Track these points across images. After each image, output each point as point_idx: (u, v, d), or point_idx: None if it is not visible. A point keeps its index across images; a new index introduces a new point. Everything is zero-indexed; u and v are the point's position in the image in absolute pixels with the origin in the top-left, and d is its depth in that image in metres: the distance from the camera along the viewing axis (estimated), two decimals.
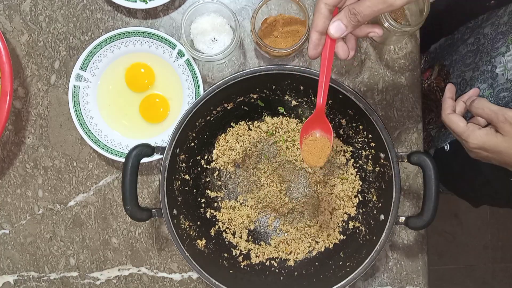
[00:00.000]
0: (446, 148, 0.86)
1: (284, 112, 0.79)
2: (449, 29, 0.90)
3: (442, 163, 0.89)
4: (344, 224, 0.78)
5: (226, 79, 0.68)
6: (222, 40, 0.75)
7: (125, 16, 0.80)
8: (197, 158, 0.78)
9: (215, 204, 0.80)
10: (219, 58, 0.73)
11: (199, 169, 0.78)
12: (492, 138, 0.63)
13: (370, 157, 0.74)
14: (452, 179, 0.90)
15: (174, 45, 0.76)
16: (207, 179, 0.80)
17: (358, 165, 0.77)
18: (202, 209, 0.79)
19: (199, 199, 0.79)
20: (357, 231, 0.76)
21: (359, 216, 0.77)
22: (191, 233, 0.74)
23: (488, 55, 0.75)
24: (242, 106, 0.77)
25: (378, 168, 0.73)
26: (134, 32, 0.76)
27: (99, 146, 0.77)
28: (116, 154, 0.77)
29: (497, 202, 0.88)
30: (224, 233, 0.79)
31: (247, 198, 0.80)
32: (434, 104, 0.94)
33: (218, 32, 0.75)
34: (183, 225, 0.72)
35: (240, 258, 0.78)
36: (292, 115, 0.79)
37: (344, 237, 0.78)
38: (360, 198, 0.78)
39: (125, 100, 0.80)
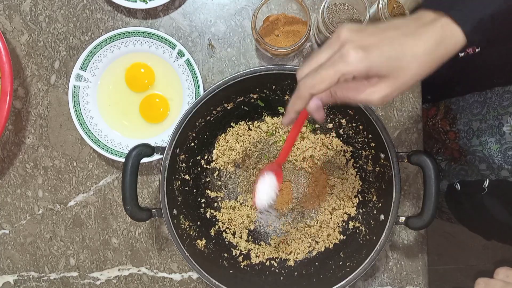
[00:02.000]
0: (457, 187, 0.86)
1: (284, 112, 0.79)
2: (456, 93, 0.90)
3: (454, 200, 0.89)
4: (344, 224, 0.78)
5: (226, 79, 0.68)
6: None
7: (125, 16, 0.80)
8: (197, 158, 0.78)
9: (215, 204, 0.80)
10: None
11: (199, 169, 0.78)
12: None
13: (370, 157, 0.74)
14: (464, 216, 0.91)
15: (174, 45, 0.76)
16: (207, 179, 0.80)
17: (358, 165, 0.77)
18: (202, 209, 0.79)
19: (199, 199, 0.79)
20: (357, 231, 0.76)
21: (359, 216, 0.77)
22: (191, 233, 0.74)
23: (495, 110, 0.74)
24: (242, 106, 0.77)
25: (378, 168, 0.73)
26: (134, 32, 0.76)
27: (99, 146, 0.77)
28: (116, 154, 0.77)
29: (509, 242, 0.88)
30: (224, 233, 0.79)
31: (247, 198, 0.80)
32: (441, 144, 0.94)
33: None
34: (183, 225, 0.72)
35: (240, 258, 0.78)
36: None
37: (344, 237, 0.78)
38: (360, 198, 0.78)
39: (125, 100, 0.80)
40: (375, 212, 0.73)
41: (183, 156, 0.73)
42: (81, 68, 0.77)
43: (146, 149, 0.67)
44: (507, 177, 0.74)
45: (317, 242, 0.78)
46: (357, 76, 0.46)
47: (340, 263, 0.74)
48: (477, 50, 0.83)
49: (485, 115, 0.77)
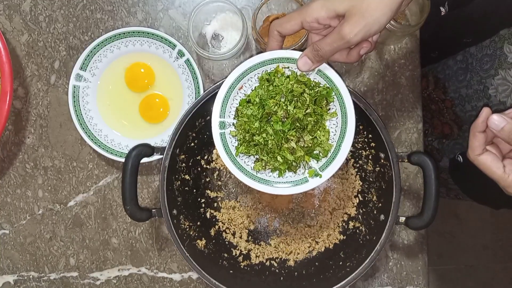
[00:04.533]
0: (459, 159, 0.86)
1: None
2: (433, 60, 0.91)
3: (459, 173, 0.89)
4: (344, 224, 0.78)
5: None
6: (231, 38, 0.77)
7: (125, 16, 0.80)
8: (197, 158, 0.78)
9: (215, 204, 0.80)
10: (228, 56, 0.73)
11: (199, 169, 0.78)
12: None
13: (370, 157, 0.74)
14: (471, 187, 0.90)
15: (174, 45, 0.76)
16: (207, 179, 0.80)
17: (358, 165, 0.77)
18: (202, 209, 0.79)
19: (199, 199, 0.79)
20: (357, 231, 0.76)
21: (359, 216, 0.77)
22: (191, 233, 0.74)
23: (478, 75, 0.75)
24: None
25: (378, 168, 0.73)
26: (134, 32, 0.76)
27: (99, 146, 0.77)
28: (116, 154, 0.77)
29: None
30: (224, 233, 0.79)
31: (247, 198, 0.80)
32: (429, 115, 0.94)
33: (226, 31, 0.76)
34: (183, 225, 0.72)
35: (240, 258, 0.78)
36: None
37: (344, 237, 0.78)
38: (360, 198, 0.78)
39: (125, 100, 0.80)
40: (375, 212, 0.73)
41: (183, 156, 0.73)
42: (81, 68, 0.77)
43: (146, 149, 0.67)
44: None
45: (317, 242, 0.78)
46: (323, 23, 0.53)
47: (340, 263, 0.74)
48: (443, 12, 0.84)
49: (469, 81, 0.78)
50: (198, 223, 0.76)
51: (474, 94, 0.77)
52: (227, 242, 0.79)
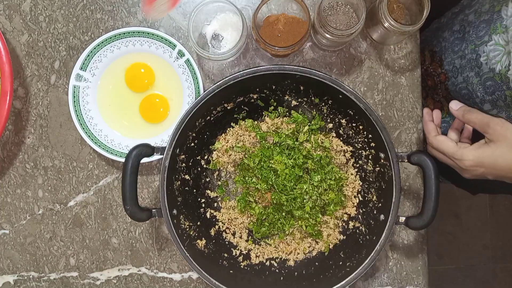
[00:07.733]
0: None
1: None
2: (436, 12, 0.90)
3: None
4: (344, 224, 0.78)
5: (226, 79, 0.68)
6: (231, 38, 0.77)
7: (125, 16, 0.80)
8: (197, 158, 0.78)
9: (215, 204, 0.80)
10: (228, 56, 0.73)
11: (199, 169, 0.78)
12: (485, 149, 0.66)
13: (370, 157, 0.74)
14: (450, 170, 0.91)
15: (174, 45, 0.76)
16: (207, 179, 0.80)
17: (358, 165, 0.77)
18: (202, 209, 0.79)
19: (199, 199, 0.79)
20: (357, 231, 0.76)
21: (359, 216, 0.77)
22: (191, 233, 0.74)
23: (473, 43, 0.75)
24: (242, 106, 0.77)
25: (378, 168, 0.73)
26: (134, 32, 0.76)
27: (99, 146, 0.77)
28: (116, 154, 0.77)
29: (492, 189, 0.88)
30: (224, 233, 0.79)
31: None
32: (424, 93, 0.94)
33: (226, 31, 0.76)
34: (183, 225, 0.72)
35: (240, 258, 0.78)
36: None
37: (344, 237, 0.78)
38: (360, 198, 0.78)
39: (125, 100, 0.80)
40: (375, 212, 0.73)
41: (183, 156, 0.73)
42: (81, 68, 0.77)
43: (146, 149, 0.67)
44: (489, 110, 0.75)
45: (317, 242, 0.78)
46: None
47: (340, 263, 0.74)
48: None
49: (464, 51, 0.78)
50: (198, 223, 0.77)
51: (467, 64, 0.77)
52: (227, 242, 0.79)
